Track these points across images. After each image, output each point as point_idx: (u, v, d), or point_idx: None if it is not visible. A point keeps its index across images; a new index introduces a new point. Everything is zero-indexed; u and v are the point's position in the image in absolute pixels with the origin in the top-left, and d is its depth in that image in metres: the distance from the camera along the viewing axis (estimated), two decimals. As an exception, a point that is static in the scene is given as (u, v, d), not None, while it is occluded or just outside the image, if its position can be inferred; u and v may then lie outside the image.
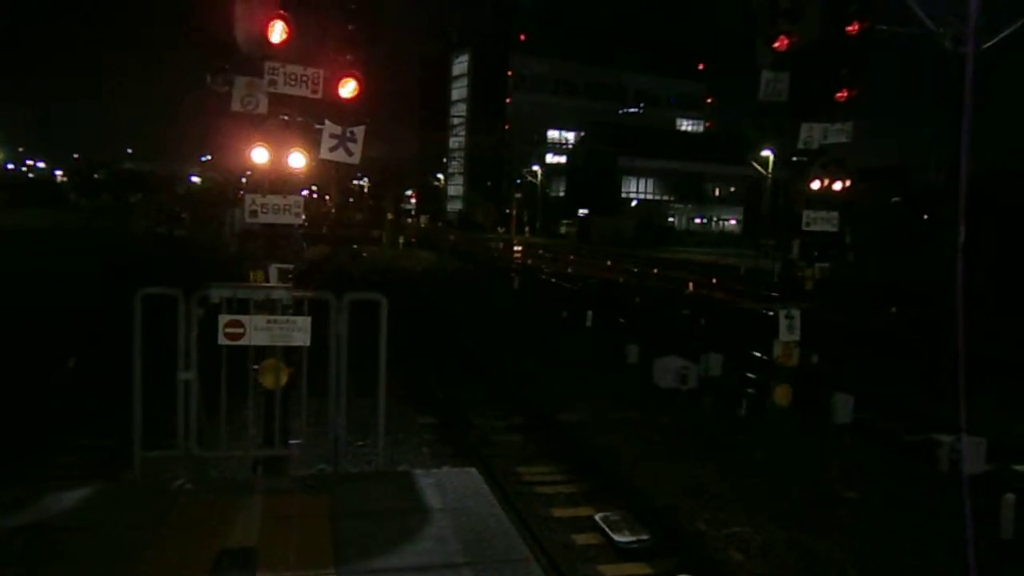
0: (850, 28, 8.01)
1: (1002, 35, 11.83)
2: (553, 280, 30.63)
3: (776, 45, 7.94)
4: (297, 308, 5.27)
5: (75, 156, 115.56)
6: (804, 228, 8.25)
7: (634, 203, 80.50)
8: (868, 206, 27.52)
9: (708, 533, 6.46)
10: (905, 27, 12.45)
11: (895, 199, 32.70)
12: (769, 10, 8.04)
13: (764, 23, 8.12)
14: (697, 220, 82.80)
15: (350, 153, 5.78)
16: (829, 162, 8.22)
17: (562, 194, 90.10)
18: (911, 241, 24.90)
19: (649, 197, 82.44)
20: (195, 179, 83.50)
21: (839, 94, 8.04)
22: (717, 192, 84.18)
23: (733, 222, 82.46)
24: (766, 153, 40.42)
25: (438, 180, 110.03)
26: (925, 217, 26.38)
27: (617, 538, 6.20)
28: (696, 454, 8.47)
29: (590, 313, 17.78)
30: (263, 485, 5.00)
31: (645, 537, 6.21)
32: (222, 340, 5.05)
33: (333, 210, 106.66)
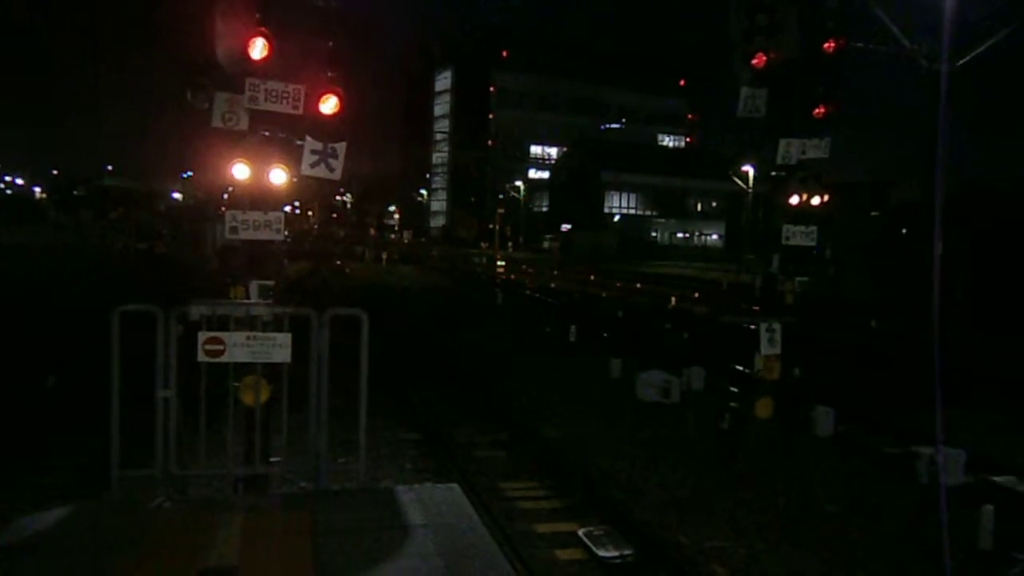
0: (827, 45, 8.12)
1: (975, 52, 12.05)
2: (536, 295, 30.66)
3: (754, 62, 8.04)
4: (278, 324, 5.25)
5: (54, 172, 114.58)
6: (784, 242, 8.32)
7: (617, 218, 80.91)
8: (847, 220, 27.75)
9: (691, 547, 6.45)
10: (881, 45, 12.66)
11: (874, 213, 33.02)
12: (747, 27, 8.14)
13: (742, 40, 8.22)
14: (679, 235, 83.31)
15: (331, 169, 5.78)
16: (807, 177, 8.31)
17: (545, 209, 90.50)
18: (890, 255, 25.14)
19: (632, 212, 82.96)
20: (176, 196, 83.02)
21: (816, 110, 8.13)
22: (699, 207, 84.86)
23: (715, 236, 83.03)
24: (746, 168, 40.88)
25: (421, 196, 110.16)
26: (903, 231, 26.66)
27: (600, 553, 6.19)
28: (679, 468, 8.48)
29: (573, 328, 17.81)
30: (243, 503, 4.97)
31: (629, 552, 6.20)
32: (202, 357, 5.02)
33: (316, 226, 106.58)
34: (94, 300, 9.25)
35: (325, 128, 5.71)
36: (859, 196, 32.89)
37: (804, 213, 8.34)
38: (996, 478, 8.11)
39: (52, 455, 8.00)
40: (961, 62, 12.00)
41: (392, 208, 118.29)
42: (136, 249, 38.95)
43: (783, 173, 8.41)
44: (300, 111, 5.61)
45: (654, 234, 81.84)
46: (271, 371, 5.34)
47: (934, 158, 11.65)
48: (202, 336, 5.01)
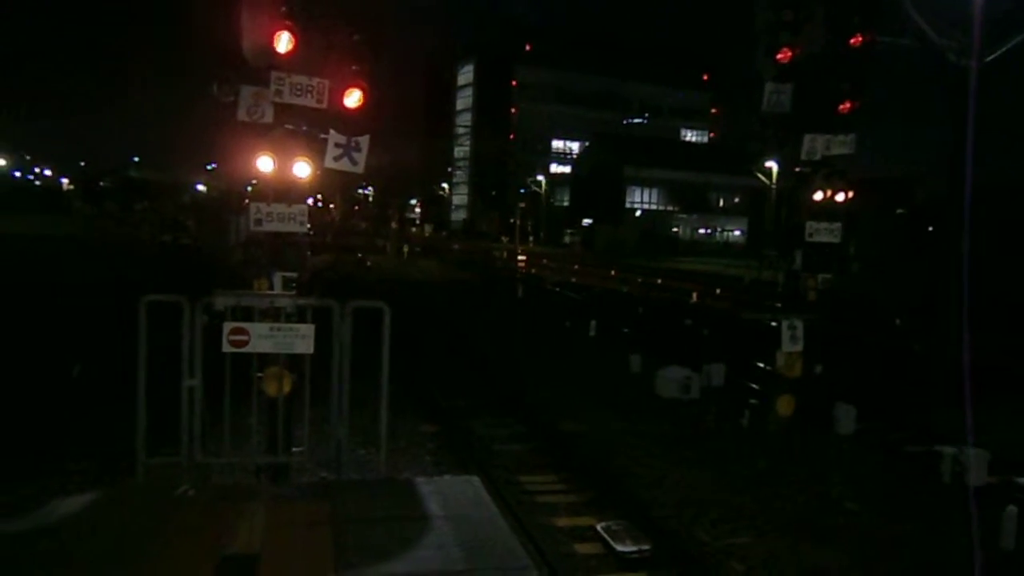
0: (853, 40, 8.04)
1: (1005, 47, 11.86)
2: (557, 289, 30.64)
3: (779, 57, 7.99)
4: (300, 316, 5.31)
5: (81, 164, 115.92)
6: (807, 239, 8.27)
7: (638, 213, 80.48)
8: (872, 217, 27.43)
9: (710, 543, 6.45)
10: (908, 40, 12.48)
11: (899, 211, 32.63)
12: (772, 22, 8.08)
13: (767, 35, 8.16)
14: (701, 230, 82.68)
15: (355, 162, 5.82)
16: (831, 173, 8.24)
17: (566, 203, 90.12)
18: (915, 252, 24.86)
19: (653, 207, 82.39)
20: (200, 187, 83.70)
21: (842, 106, 8.06)
22: (721, 202, 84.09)
23: (737, 232, 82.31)
24: (770, 164, 40.44)
25: (443, 189, 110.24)
26: (930, 229, 26.33)
27: (618, 547, 6.20)
28: (698, 464, 8.46)
29: (593, 323, 17.78)
30: (266, 492, 5.02)
31: (647, 547, 6.21)
32: (226, 347, 5.09)
33: (338, 219, 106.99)
34: (122, 289, 9.35)
35: (349, 122, 5.75)
36: (883, 192, 32.48)
37: (828, 209, 8.28)
38: (1020, 479, 8.03)
39: (79, 442, 8.12)
40: (991, 57, 11.82)
41: (414, 201, 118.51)
42: (161, 240, 39.32)
43: (807, 169, 8.36)
44: (324, 105, 5.66)
45: (676, 229, 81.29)
46: (294, 362, 5.40)
47: (962, 155, 11.49)
48: (227, 326, 5.07)
